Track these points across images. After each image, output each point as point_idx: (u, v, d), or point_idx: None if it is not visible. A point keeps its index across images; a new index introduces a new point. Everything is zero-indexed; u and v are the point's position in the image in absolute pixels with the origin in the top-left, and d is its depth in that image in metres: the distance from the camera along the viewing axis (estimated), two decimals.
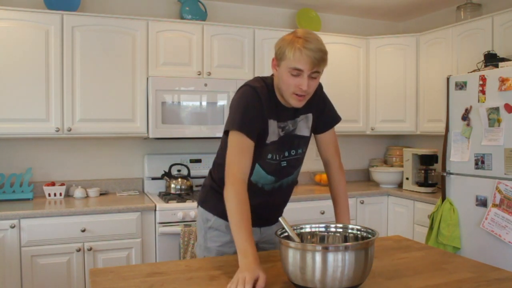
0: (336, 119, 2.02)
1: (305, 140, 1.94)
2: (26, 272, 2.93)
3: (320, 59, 1.66)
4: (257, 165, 1.84)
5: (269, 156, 1.84)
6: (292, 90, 1.71)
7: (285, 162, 1.90)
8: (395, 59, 4.22)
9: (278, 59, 1.72)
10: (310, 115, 1.92)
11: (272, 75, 1.87)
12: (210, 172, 2.08)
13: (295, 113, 1.86)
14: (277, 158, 1.86)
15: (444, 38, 3.82)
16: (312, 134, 2.00)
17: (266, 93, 1.79)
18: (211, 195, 2.00)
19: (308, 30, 1.73)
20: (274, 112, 1.81)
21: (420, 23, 4.61)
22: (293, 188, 2.06)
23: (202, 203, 2.05)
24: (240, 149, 1.72)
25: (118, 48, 3.45)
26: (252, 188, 1.81)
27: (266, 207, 1.94)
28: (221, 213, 1.86)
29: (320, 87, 1.93)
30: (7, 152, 3.55)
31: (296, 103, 1.75)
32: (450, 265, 1.72)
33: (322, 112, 1.97)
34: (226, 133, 1.80)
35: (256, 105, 1.76)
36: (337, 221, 1.99)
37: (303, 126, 1.91)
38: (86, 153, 3.78)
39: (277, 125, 1.83)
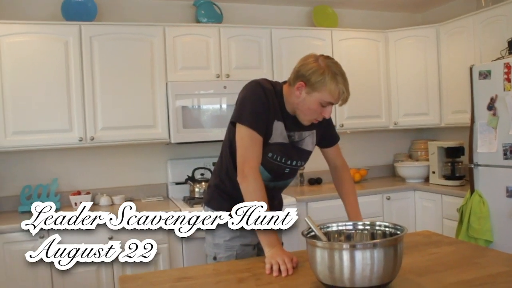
0: (336, 138, 2.14)
1: (309, 154, 2.04)
2: (57, 281, 2.96)
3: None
4: None
5: (270, 154, 1.89)
6: (315, 117, 1.83)
7: (289, 169, 1.98)
8: (416, 51, 4.15)
9: (312, 87, 1.75)
10: (314, 132, 2.02)
11: (282, 83, 1.93)
12: (215, 171, 2.10)
13: (301, 126, 1.92)
14: (281, 161, 1.92)
15: (465, 27, 3.73)
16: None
17: (273, 96, 1.86)
18: (217, 194, 2.04)
19: (339, 64, 1.79)
20: (280, 115, 1.87)
21: (439, 13, 4.52)
22: (281, 192, 2.15)
23: (208, 203, 2.09)
24: (253, 143, 1.79)
25: (136, 55, 3.48)
26: None
27: None
28: (227, 211, 1.92)
29: None
30: (33, 163, 3.61)
31: (309, 124, 1.88)
32: (482, 259, 1.67)
33: (325, 130, 2.07)
34: (233, 123, 1.86)
35: (264, 102, 1.82)
36: (349, 219, 2.01)
37: (309, 141, 2.00)
38: (110, 161, 3.81)
39: (285, 129, 1.89)
